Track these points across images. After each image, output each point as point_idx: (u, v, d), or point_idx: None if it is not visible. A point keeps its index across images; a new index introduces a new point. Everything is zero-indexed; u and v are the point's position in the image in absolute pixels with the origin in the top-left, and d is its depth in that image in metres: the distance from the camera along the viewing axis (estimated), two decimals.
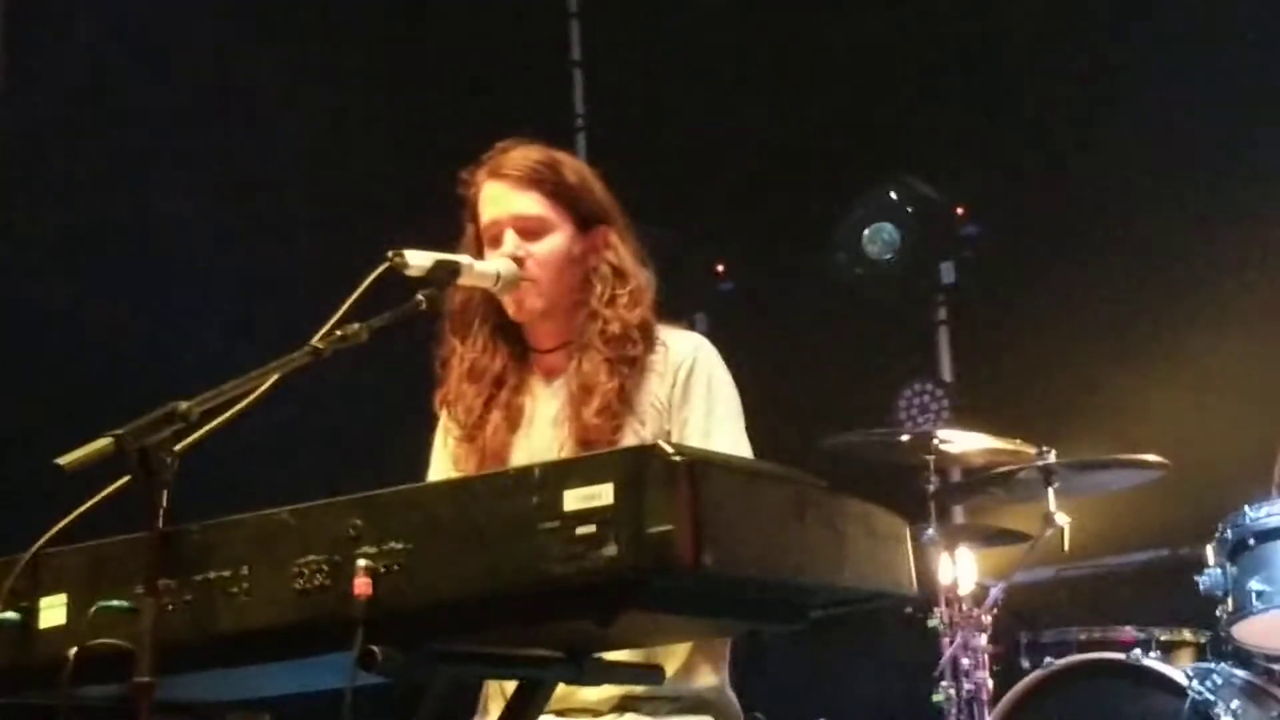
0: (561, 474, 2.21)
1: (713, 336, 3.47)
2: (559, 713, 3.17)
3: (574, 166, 3.38)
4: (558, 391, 3.34)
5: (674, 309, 3.46)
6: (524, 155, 3.34)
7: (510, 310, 3.33)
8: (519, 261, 3.28)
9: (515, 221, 3.30)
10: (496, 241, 3.31)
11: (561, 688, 2.89)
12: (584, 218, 3.35)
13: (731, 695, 3.29)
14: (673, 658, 3.16)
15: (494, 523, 2.23)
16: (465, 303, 3.37)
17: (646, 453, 2.19)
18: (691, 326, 3.55)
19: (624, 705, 3.18)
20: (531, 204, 3.31)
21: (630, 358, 3.27)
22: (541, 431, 3.32)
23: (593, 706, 3.19)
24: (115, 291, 6.22)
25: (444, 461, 3.42)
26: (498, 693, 3.19)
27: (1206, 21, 6.60)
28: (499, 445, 3.30)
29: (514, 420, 3.33)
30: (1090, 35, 6.89)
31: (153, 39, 6.54)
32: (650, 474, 2.15)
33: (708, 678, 3.24)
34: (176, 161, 6.52)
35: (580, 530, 2.16)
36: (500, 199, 3.33)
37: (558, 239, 3.31)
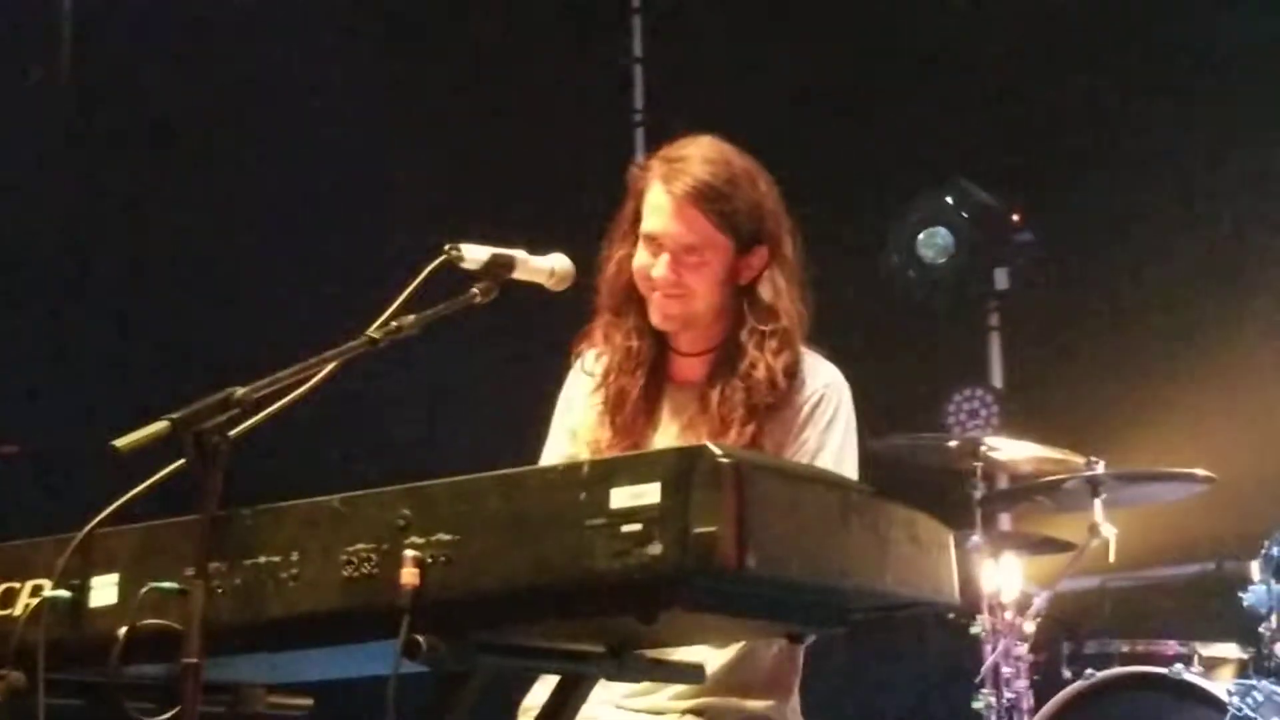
0: (609, 471, 2.24)
1: None
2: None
3: (748, 186, 3.28)
4: (687, 405, 3.30)
5: None
6: (701, 169, 3.24)
7: (654, 318, 3.28)
8: (669, 285, 3.23)
9: (673, 243, 3.23)
10: (652, 249, 3.26)
11: (637, 691, 2.93)
12: (747, 239, 3.27)
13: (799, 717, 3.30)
14: (746, 672, 3.19)
15: (541, 517, 2.25)
16: (628, 285, 3.31)
17: (694, 453, 2.21)
18: None
19: (690, 712, 3.18)
20: (694, 226, 3.22)
21: (770, 404, 3.22)
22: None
23: (661, 708, 3.20)
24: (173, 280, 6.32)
25: (563, 435, 3.39)
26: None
27: (1267, 31, 6.57)
28: (639, 435, 3.27)
29: (650, 413, 3.31)
30: (1150, 45, 6.85)
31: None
32: (697, 475, 2.17)
33: (774, 695, 3.24)
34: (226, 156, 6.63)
35: (626, 528, 2.18)
36: (664, 212, 3.24)
37: (713, 263, 3.24)
